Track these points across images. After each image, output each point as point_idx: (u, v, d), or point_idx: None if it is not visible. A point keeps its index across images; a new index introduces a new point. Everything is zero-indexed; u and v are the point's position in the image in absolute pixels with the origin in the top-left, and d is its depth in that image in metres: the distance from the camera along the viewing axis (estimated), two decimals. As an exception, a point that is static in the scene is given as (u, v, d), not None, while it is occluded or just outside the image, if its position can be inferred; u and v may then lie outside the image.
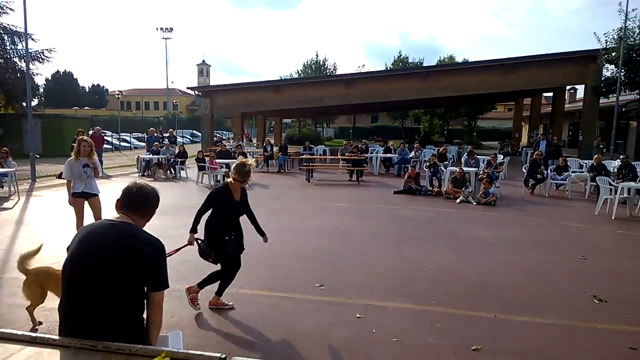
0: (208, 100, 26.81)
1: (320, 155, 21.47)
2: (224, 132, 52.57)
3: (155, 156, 16.51)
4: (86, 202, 6.38)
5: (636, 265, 6.29)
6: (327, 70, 44.48)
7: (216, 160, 14.42)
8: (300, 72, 45.39)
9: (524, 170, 13.29)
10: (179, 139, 31.31)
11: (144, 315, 2.15)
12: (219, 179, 14.03)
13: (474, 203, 10.82)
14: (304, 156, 17.84)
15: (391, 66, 43.94)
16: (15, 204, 10.70)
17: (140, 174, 16.40)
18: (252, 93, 26.86)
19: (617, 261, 6.48)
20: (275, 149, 20.33)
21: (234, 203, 4.59)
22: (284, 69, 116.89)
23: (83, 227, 2.24)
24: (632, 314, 4.54)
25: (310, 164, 16.15)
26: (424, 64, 41.83)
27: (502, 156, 16.81)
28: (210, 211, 4.55)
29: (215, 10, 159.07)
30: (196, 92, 28.43)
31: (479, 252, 6.73)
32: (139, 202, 2.24)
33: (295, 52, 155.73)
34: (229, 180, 4.61)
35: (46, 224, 8.45)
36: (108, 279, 2.00)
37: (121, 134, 35.36)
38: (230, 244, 4.56)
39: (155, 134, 20.17)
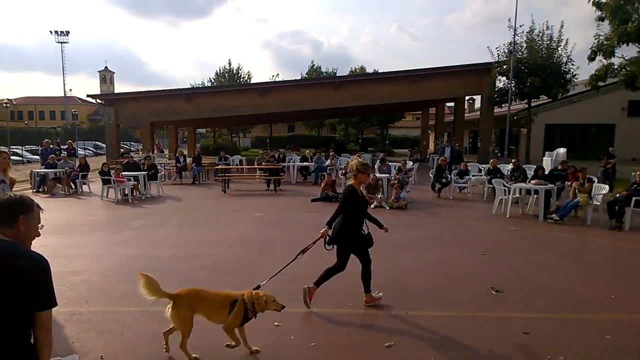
0: (112, 109, 25.26)
1: (237, 165, 21.13)
2: (132, 142, 49.81)
3: (51, 170, 15.14)
4: None
5: (528, 258, 6.93)
6: (241, 79, 44.05)
7: (123, 173, 13.57)
8: (213, 80, 44.46)
9: (431, 175, 14.15)
10: (80, 151, 29.13)
11: (32, 341, 1.94)
12: (126, 192, 13.21)
13: (387, 207, 11.29)
14: (219, 166, 17.42)
15: (305, 75, 44.66)
16: None
17: (34, 190, 14.93)
18: (162, 102, 25.79)
19: (512, 255, 7.11)
20: (188, 159, 19.65)
21: (363, 200, 5.04)
22: (197, 78, 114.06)
23: None
24: (525, 302, 4.99)
25: (226, 175, 15.82)
26: (337, 74, 43.08)
27: (411, 162, 17.79)
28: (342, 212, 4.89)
29: (119, 18, 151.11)
30: (98, 101, 26.59)
31: (393, 254, 7.00)
32: (3, 214, 2.06)
33: (208, 62, 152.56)
34: (352, 181, 4.92)
35: None
36: None
37: (11, 147, 31.98)
38: (369, 237, 5.01)
39: (51, 146, 18.54)
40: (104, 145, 31.63)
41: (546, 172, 11.78)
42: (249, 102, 25.44)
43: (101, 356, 3.70)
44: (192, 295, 3.65)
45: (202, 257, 6.79)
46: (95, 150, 41.92)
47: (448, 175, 13.59)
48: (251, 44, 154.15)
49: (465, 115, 32.63)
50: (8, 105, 39.88)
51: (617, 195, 9.76)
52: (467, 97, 34.43)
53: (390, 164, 14.77)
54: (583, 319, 4.52)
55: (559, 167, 12.11)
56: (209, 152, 34.83)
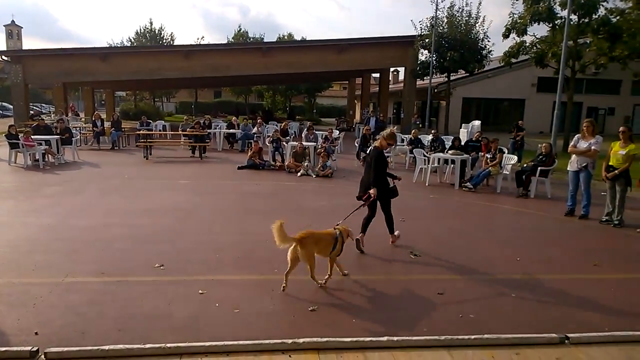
0: (20, 66, 22.95)
1: (160, 131, 20.23)
2: (44, 105, 45.68)
3: (-54, 133, 13.56)
4: None
5: (444, 224, 7.47)
6: (164, 41, 41.60)
7: (33, 137, 12.49)
8: (133, 40, 41.55)
9: (356, 145, 14.53)
10: (-19, 113, 26.20)
11: None
12: (37, 157, 12.22)
13: (314, 176, 11.48)
14: (140, 132, 16.58)
15: (232, 40, 43.13)
16: None
17: None
18: (76, 61, 23.80)
19: (430, 221, 7.62)
20: (107, 124, 18.48)
21: (386, 159, 6.49)
22: (115, 37, 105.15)
23: None
24: (440, 264, 5.43)
25: (148, 140, 15.12)
26: (265, 40, 42.08)
27: (338, 132, 18.07)
28: (373, 168, 5.99)
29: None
30: (4, 57, 23.97)
31: (317, 221, 7.20)
32: None
33: (127, 20, 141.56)
34: (377, 144, 6.10)
35: None
36: None
37: None
38: (395, 189, 6.24)
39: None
40: (11, 107, 28.71)
41: (462, 143, 12.58)
42: (172, 65, 24.21)
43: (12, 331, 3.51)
44: (311, 236, 4.55)
45: (123, 226, 6.55)
46: (1, 112, 37.90)
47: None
48: (175, 3, 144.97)
49: (390, 86, 33.52)
50: None
51: (525, 165, 10.69)
52: (391, 69, 35.28)
53: (317, 132, 14.94)
54: (492, 279, 4.99)
55: (474, 139, 12.98)
56: (130, 117, 32.87)
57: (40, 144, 12.52)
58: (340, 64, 25.16)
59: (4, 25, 70.89)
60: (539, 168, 9.77)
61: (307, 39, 36.72)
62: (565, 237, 6.98)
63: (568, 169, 8.19)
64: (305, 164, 11.88)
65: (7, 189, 9.20)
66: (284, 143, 14.01)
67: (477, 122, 19.22)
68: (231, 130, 17.96)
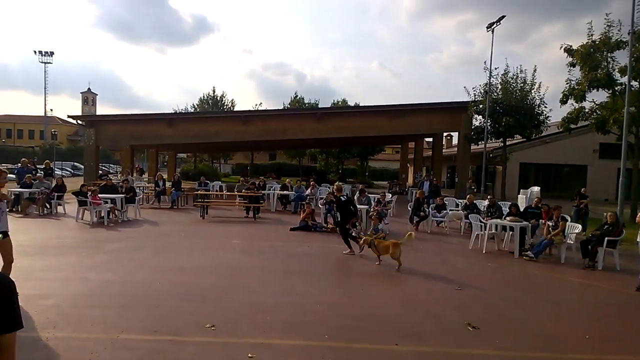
0: (93, 130, 25.02)
1: (217, 191, 20.99)
2: (112, 165, 49.15)
3: (26, 190, 14.78)
4: None
5: (504, 295, 7.02)
6: (225, 107, 44.28)
7: (99, 195, 13.34)
8: (196, 106, 44.56)
9: (409, 208, 14.31)
10: (57, 172, 28.55)
11: None
12: (102, 215, 12.95)
13: (365, 239, 11.31)
14: (198, 192, 17.29)
15: (288, 106, 45.21)
16: None
17: (7, 210, 14.49)
18: (144, 125, 25.70)
19: (488, 291, 7.19)
20: (168, 184, 19.46)
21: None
22: (180, 104, 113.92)
23: None
24: (501, 339, 5.03)
25: (206, 200, 15.70)
26: (319, 106, 43.74)
27: (390, 195, 17.95)
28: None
29: (105, 41, 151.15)
30: (79, 122, 26.38)
31: (369, 286, 7.01)
32: None
33: (193, 88, 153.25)
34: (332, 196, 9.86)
35: None
36: None
37: (-14, 164, 31.18)
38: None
39: (29, 165, 18.14)
40: (82, 167, 31.16)
41: (521, 210, 12.07)
42: (231, 129, 25.55)
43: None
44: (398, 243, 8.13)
45: (175, 284, 6.67)
46: (73, 171, 41.10)
47: (426, 209, 13.77)
48: (236, 73, 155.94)
49: (443, 150, 33.38)
50: (-16, 122, 39.06)
51: (590, 235, 10.02)
52: (445, 133, 35.29)
53: (369, 195, 14.90)
54: (558, 358, 4.56)
55: (533, 205, 12.43)
56: (189, 177, 34.55)
57: (106, 202, 13.31)
58: (393, 129, 25.53)
59: (80, 92, 78.98)
60: (606, 238, 9.12)
61: (360, 105, 37.78)
62: (638, 314, 6.33)
63: (638, 240, 7.59)
64: (358, 227, 11.77)
65: (71, 245, 9.72)
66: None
67: (536, 188, 18.49)
68: (285, 192, 18.34)
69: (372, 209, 13.17)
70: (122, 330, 4.72)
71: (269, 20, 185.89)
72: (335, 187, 10.44)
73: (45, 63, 67.88)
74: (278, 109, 36.07)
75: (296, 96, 47.13)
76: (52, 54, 68.26)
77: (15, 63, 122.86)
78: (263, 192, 18.06)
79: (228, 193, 19.75)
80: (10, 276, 1.99)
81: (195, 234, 11.76)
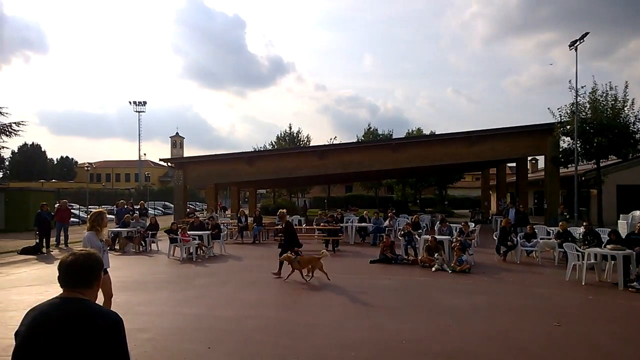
0: (181, 171, 26.85)
1: (296, 225, 21.38)
2: (198, 202, 52.18)
3: (124, 229, 16.12)
4: None
5: (609, 331, 6.33)
6: (301, 142, 45.64)
7: (188, 232, 14.18)
8: (274, 144, 46.40)
9: (495, 238, 13.55)
10: (151, 211, 30.85)
11: None
12: (191, 251, 13.71)
13: (449, 271, 10.86)
14: (279, 226, 17.74)
15: (362, 138, 45.54)
16: (-27, 281, 10.12)
17: (108, 248, 15.86)
18: (226, 164, 27.13)
19: (590, 327, 6.52)
20: (249, 219, 20.21)
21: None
22: (259, 142, 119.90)
23: (32, 309, 2.05)
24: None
25: (285, 235, 16.01)
26: (393, 136, 43.61)
27: (473, 224, 17.18)
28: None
29: (190, 90, 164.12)
30: (169, 164, 28.45)
31: (456, 321, 6.67)
32: (83, 274, 2.07)
33: (270, 126, 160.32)
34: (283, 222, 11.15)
35: (7, 303, 7.99)
36: None
37: (89, 206, 34.59)
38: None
39: (126, 206, 19.84)
40: (172, 205, 33.45)
41: (622, 237, 10.94)
42: (308, 163, 26.17)
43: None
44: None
45: (260, 318, 6.82)
46: (163, 210, 44.21)
47: (514, 238, 12.95)
48: (310, 109, 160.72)
49: (529, 175, 31.48)
50: (89, 168, 43.71)
51: None
52: (529, 158, 33.34)
53: (451, 225, 14.37)
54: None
55: (636, 231, 11.21)
56: (269, 212, 35.66)
57: (195, 239, 14.09)
58: (472, 155, 24.63)
59: (169, 137, 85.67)
60: None
61: (436, 133, 37.11)
62: None
63: None
64: (439, 257, 11.36)
65: (164, 280, 10.36)
66: (416, 236, 13.72)
67: (638, 213, 16.74)
68: (363, 224, 18.27)
69: (454, 240, 12.66)
70: (212, 364, 4.89)
71: (341, 56, 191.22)
72: (278, 213, 11.92)
73: (139, 112, 74.76)
74: (353, 142, 36.51)
75: (370, 128, 47.51)
76: (144, 103, 75.11)
77: (113, 113, 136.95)
78: (341, 224, 18.12)
79: (307, 227, 20.06)
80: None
81: (276, 268, 12.01)
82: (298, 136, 46.51)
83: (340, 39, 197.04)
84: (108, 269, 5.92)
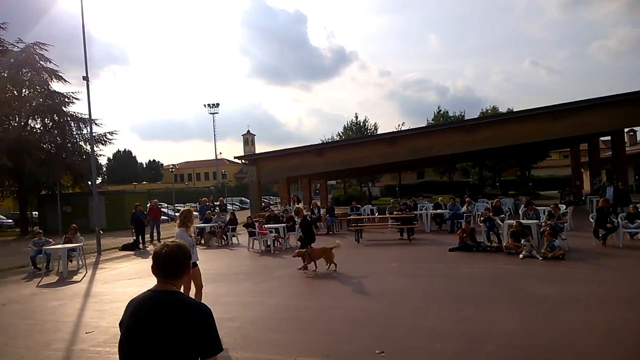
0: (254, 167, 27.61)
1: (368, 214, 21.19)
2: (271, 196, 53.64)
3: (207, 224, 16.87)
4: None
5: None
6: (368, 131, 45.11)
7: (265, 226, 14.50)
8: (341, 134, 46.29)
9: (592, 220, 12.35)
10: (229, 207, 32.13)
11: None
12: (269, 244, 14.00)
13: (540, 258, 10.07)
14: (351, 217, 17.64)
15: (432, 122, 44.03)
16: (83, 277, 11.15)
17: (196, 243, 16.71)
18: (296, 158, 27.45)
19: None
20: (322, 210, 20.29)
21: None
22: (326, 133, 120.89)
23: (131, 301, 2.17)
24: None
25: (359, 225, 15.90)
26: (466, 117, 41.65)
27: (564, 206, 15.83)
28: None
29: (258, 88, 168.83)
30: (243, 161, 29.54)
31: (551, 312, 6.12)
32: (174, 263, 2.15)
33: (336, 117, 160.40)
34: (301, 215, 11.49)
35: (113, 295, 8.65)
36: (163, 352, 1.96)
37: (176, 204, 36.79)
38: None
39: (207, 203, 20.78)
40: (248, 200, 34.63)
41: None
42: (377, 152, 25.72)
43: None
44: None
45: (340, 308, 6.74)
46: (240, 205, 45.92)
47: (614, 220, 11.71)
48: (376, 96, 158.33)
49: (627, 149, 28.45)
50: (173, 170, 46.50)
51: None
52: (626, 129, 30.19)
53: (537, 208, 13.35)
54: None
55: None
56: (340, 203, 35.72)
57: (271, 232, 14.38)
58: (558, 131, 22.69)
59: (241, 135, 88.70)
60: None
61: (513, 110, 34.90)
62: None
63: None
64: (527, 243, 10.57)
65: (246, 272, 10.66)
66: (498, 222, 12.93)
67: None
68: (438, 211, 17.62)
69: (543, 224, 11.75)
70: (298, 353, 4.87)
71: (404, 39, 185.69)
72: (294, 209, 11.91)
73: (213, 114, 78.21)
74: (423, 127, 35.35)
75: (439, 110, 45.83)
76: (217, 105, 78.40)
77: (191, 117, 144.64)
78: (415, 212, 17.61)
79: (380, 216, 19.77)
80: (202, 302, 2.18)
81: (352, 258, 11.90)
82: (365, 125, 45.99)
83: (401, 21, 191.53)
84: (197, 262, 6.15)
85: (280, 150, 29.59)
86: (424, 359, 4.65)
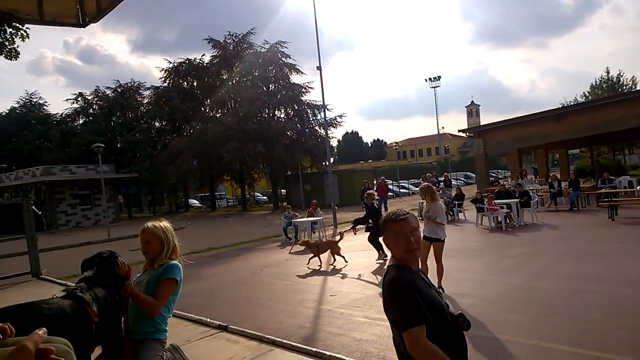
0: (480, 140, 26.28)
1: (625, 188, 17.86)
2: (499, 170, 50.28)
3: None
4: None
5: None
6: (625, 87, 37.53)
7: (495, 201, 13.81)
8: (587, 94, 39.80)
9: None
10: (453, 182, 31.65)
11: None
12: (499, 220, 13.32)
13: None
14: (602, 191, 15.17)
15: None
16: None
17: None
18: (528, 126, 24.91)
19: None
20: (563, 184, 18.08)
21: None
22: (566, 96, 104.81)
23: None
24: None
25: (613, 200, 13.58)
26: None
27: None
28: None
29: (481, 54, 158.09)
30: (467, 134, 28.57)
31: None
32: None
33: (580, 75, 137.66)
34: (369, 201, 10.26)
35: (350, 265, 9.73)
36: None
37: (400, 181, 38.20)
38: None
39: (432, 179, 20.95)
40: (473, 175, 33.38)
41: None
42: (637, 111, 21.24)
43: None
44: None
45: (593, 294, 6.00)
46: (465, 180, 44.58)
47: None
48: (633, 44, 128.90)
49: None
50: (396, 147, 48.23)
51: None
52: None
53: None
54: None
55: None
56: (586, 174, 30.95)
57: (502, 208, 13.59)
58: None
59: (465, 107, 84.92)
60: None
61: None
62: None
63: None
64: None
65: (476, 248, 10.42)
66: None
67: None
68: None
69: None
70: (541, 338, 4.62)
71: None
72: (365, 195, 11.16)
73: (434, 87, 77.18)
74: None
75: None
76: (439, 78, 76.69)
77: (412, 93, 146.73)
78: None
79: (642, 189, 16.43)
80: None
81: (602, 238, 10.32)
82: (619, 81, 38.36)
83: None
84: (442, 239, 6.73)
85: (510, 119, 27.34)
86: None
